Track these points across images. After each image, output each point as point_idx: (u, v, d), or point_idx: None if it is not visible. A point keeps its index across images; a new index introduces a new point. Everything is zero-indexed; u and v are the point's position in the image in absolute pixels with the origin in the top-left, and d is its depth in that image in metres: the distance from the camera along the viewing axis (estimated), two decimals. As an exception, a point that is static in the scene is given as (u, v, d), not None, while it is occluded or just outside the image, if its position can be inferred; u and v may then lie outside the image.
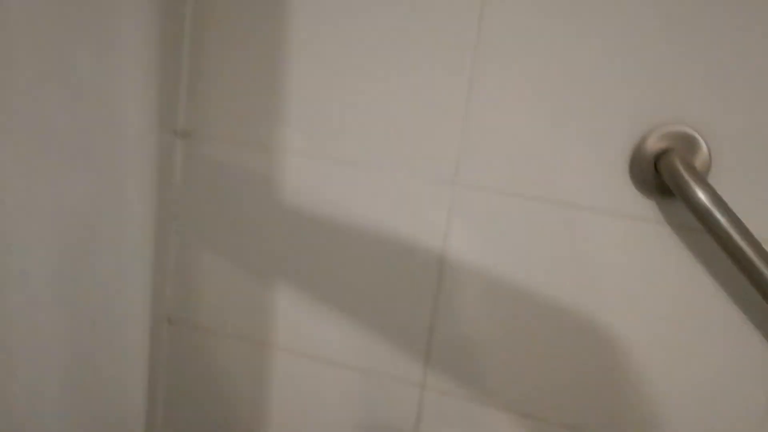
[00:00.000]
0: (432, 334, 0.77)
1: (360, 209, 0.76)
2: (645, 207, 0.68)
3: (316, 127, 0.75)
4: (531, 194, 0.71)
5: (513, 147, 0.70)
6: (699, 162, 0.66)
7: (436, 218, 0.74)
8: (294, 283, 0.81)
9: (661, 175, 0.65)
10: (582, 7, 0.66)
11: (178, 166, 0.82)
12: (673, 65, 0.65)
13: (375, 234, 0.76)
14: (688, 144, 0.66)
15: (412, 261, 0.76)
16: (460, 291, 0.75)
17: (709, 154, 0.66)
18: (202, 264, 0.84)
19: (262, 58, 0.76)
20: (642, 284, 0.70)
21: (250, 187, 0.79)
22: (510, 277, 0.73)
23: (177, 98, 0.80)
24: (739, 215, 0.62)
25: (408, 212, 0.75)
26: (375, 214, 0.76)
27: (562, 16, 0.66)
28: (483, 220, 0.73)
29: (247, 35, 0.76)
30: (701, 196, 0.61)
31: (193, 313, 0.86)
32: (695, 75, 0.64)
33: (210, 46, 0.77)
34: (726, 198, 0.63)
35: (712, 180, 0.66)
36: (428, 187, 0.74)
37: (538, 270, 0.72)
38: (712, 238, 0.61)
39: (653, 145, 0.67)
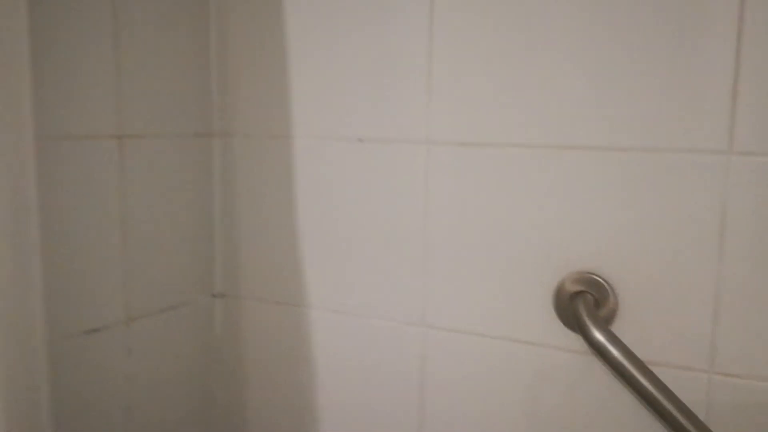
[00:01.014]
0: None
1: (351, 351, 0.94)
2: (570, 339, 0.81)
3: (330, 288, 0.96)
4: (479, 332, 0.86)
5: (467, 293, 0.86)
6: (609, 304, 0.78)
7: (412, 355, 0.90)
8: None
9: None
10: (511, 175, 0.83)
11: (217, 321, 1.04)
12: (597, 223, 0.79)
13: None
14: (599, 289, 0.79)
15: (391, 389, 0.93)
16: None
17: (617, 299, 0.78)
18: (247, 398, 1.04)
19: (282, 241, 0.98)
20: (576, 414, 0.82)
21: (277, 338, 1.00)
22: (478, 409, 0.88)
23: (213, 265, 1.02)
24: (644, 350, 0.75)
25: (387, 347, 0.92)
26: (359, 352, 0.94)
27: (499, 181, 0.83)
28: (451, 356, 0.89)
29: (274, 210, 0.98)
30: (596, 335, 0.74)
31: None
32: (612, 232, 0.78)
33: (241, 225, 1.00)
34: (632, 336, 0.76)
35: (619, 321, 0.78)
36: (403, 328, 0.91)
37: (495, 402, 0.86)
38: (609, 368, 0.74)
39: (570, 287, 0.80)
